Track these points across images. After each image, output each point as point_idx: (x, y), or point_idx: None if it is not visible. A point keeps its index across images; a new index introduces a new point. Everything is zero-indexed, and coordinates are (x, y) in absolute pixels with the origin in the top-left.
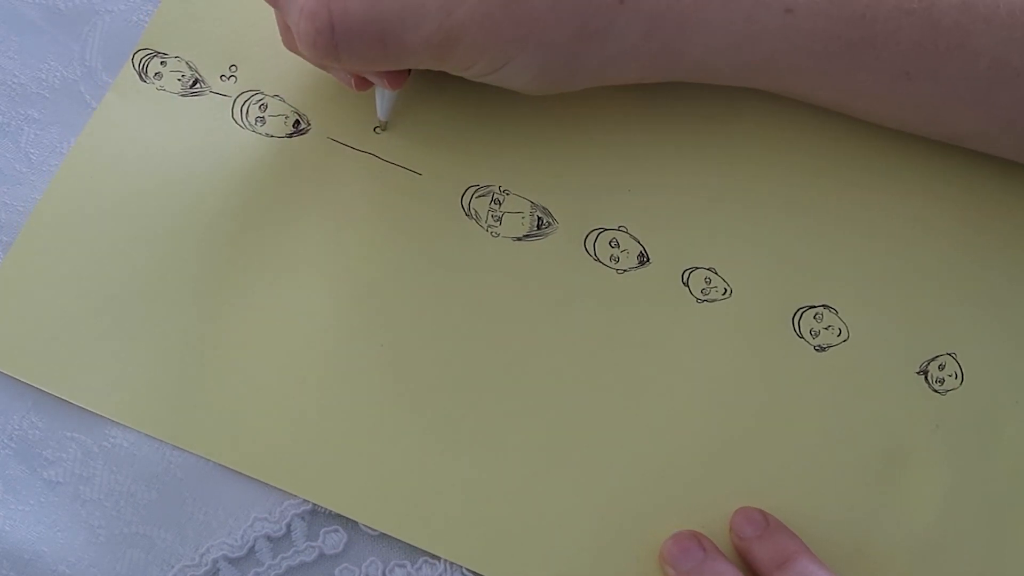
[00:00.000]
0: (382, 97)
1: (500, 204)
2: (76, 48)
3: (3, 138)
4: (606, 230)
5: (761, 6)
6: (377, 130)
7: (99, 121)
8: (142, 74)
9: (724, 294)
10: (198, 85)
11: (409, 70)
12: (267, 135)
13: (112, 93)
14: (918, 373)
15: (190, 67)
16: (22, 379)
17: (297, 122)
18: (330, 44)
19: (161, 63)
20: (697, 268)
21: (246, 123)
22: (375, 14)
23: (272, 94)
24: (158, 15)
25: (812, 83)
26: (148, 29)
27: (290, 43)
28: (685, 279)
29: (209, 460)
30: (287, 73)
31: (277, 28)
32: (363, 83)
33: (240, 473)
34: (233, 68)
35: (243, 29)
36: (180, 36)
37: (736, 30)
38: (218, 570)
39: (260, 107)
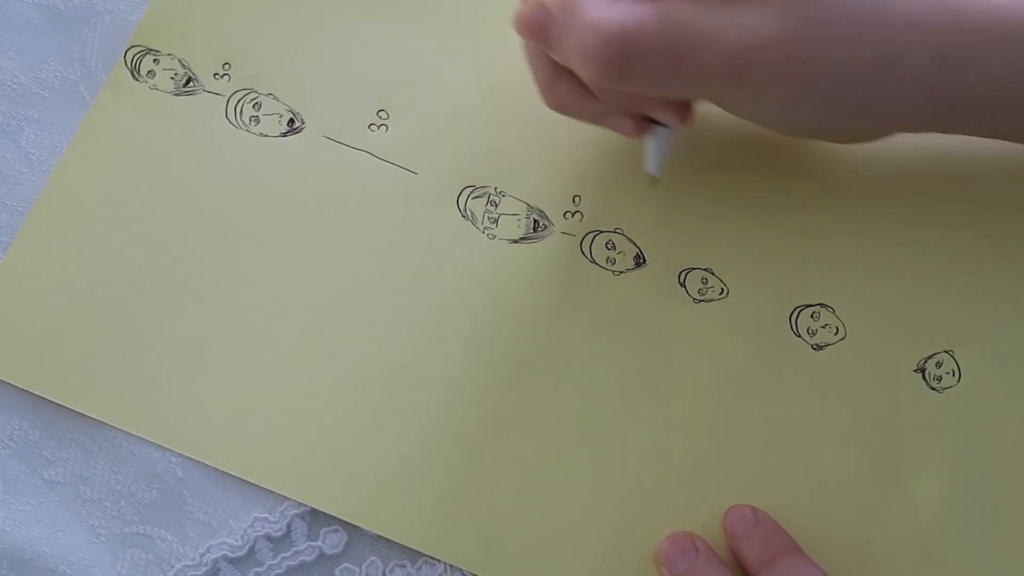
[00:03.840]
0: (655, 146)
1: (496, 206)
2: (76, 48)
3: (3, 138)
4: (602, 232)
5: None
6: (651, 185)
7: (93, 122)
8: (135, 72)
9: (721, 294)
10: (191, 84)
11: (692, 108)
12: (261, 135)
13: (105, 92)
14: (916, 371)
15: (183, 65)
16: (20, 386)
17: (291, 120)
18: (622, 58)
19: (154, 61)
20: (694, 269)
21: (240, 123)
22: (672, 28)
23: (266, 92)
24: (150, 11)
25: None
26: (140, 25)
27: (556, 99)
28: (682, 280)
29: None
30: (281, 71)
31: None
32: (643, 125)
33: None
34: (227, 66)
35: (237, 26)
36: (173, 33)
37: (1017, 60)
38: (218, 570)
39: (254, 106)
